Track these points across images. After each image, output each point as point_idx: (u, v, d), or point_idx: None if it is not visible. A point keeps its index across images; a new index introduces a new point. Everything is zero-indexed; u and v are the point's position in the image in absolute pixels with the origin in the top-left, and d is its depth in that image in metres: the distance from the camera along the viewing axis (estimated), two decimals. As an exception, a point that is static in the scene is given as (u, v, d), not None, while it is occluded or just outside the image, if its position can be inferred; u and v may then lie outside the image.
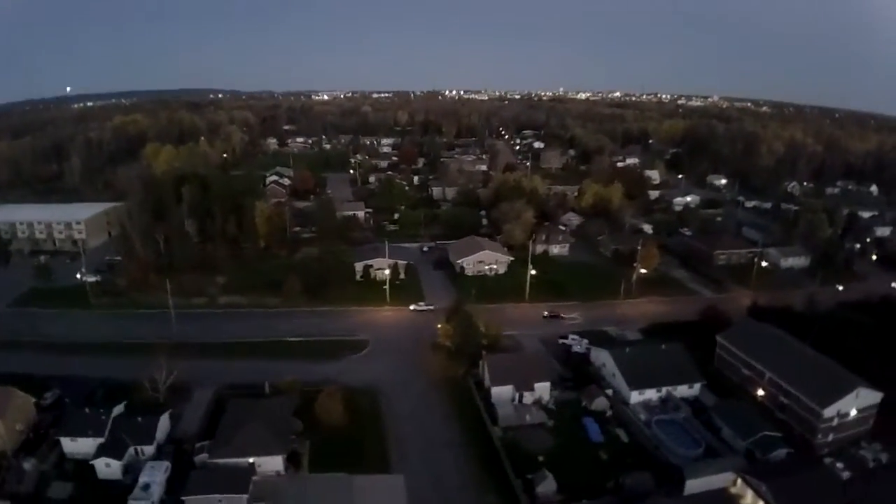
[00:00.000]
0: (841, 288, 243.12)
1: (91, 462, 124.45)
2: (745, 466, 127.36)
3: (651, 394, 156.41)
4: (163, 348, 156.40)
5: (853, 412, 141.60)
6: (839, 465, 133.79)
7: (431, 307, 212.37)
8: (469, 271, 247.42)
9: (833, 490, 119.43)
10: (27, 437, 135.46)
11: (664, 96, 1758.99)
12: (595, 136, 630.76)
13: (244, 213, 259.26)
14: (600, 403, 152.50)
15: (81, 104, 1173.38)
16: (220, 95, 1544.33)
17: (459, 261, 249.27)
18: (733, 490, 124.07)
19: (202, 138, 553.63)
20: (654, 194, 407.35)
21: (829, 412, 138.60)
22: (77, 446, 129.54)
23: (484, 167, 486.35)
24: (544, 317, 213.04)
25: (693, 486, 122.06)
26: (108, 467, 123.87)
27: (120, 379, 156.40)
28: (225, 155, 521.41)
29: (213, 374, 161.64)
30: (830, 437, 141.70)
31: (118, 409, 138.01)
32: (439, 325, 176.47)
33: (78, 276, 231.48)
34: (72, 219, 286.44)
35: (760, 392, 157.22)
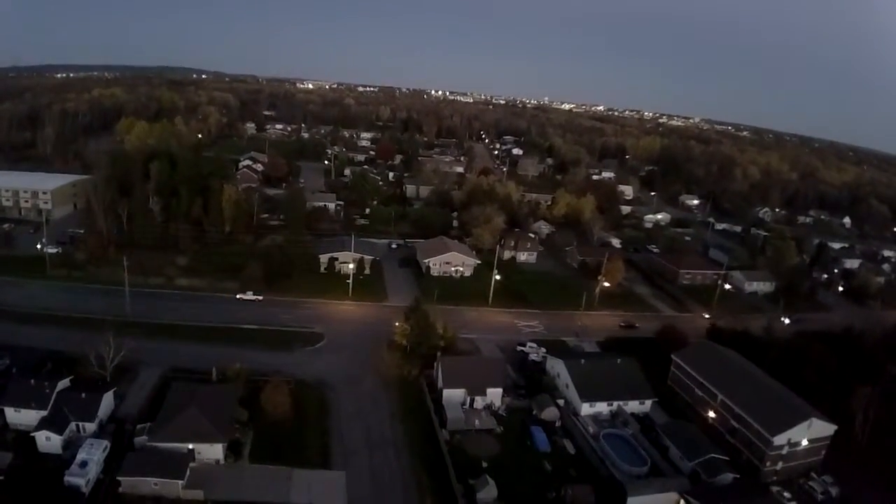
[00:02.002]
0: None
1: (32, 434, 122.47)
2: (688, 488, 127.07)
3: (602, 407, 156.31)
4: (113, 325, 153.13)
5: (804, 442, 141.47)
6: (786, 494, 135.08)
7: (260, 297, 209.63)
8: (435, 271, 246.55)
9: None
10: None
11: (646, 113, 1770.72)
12: (573, 148, 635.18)
13: (211, 196, 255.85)
14: (551, 413, 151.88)
15: (63, 74, 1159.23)
16: (203, 76, 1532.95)
17: (426, 260, 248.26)
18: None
19: (178, 117, 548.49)
20: (625, 209, 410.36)
21: (779, 440, 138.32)
22: (20, 417, 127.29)
23: (460, 169, 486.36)
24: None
25: (635, 503, 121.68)
26: (48, 441, 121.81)
27: (69, 352, 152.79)
28: (200, 135, 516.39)
29: (162, 355, 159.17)
30: (779, 466, 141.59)
31: (63, 384, 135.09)
32: (397, 324, 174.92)
33: (39, 246, 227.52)
34: (39, 188, 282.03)
35: (712, 414, 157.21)
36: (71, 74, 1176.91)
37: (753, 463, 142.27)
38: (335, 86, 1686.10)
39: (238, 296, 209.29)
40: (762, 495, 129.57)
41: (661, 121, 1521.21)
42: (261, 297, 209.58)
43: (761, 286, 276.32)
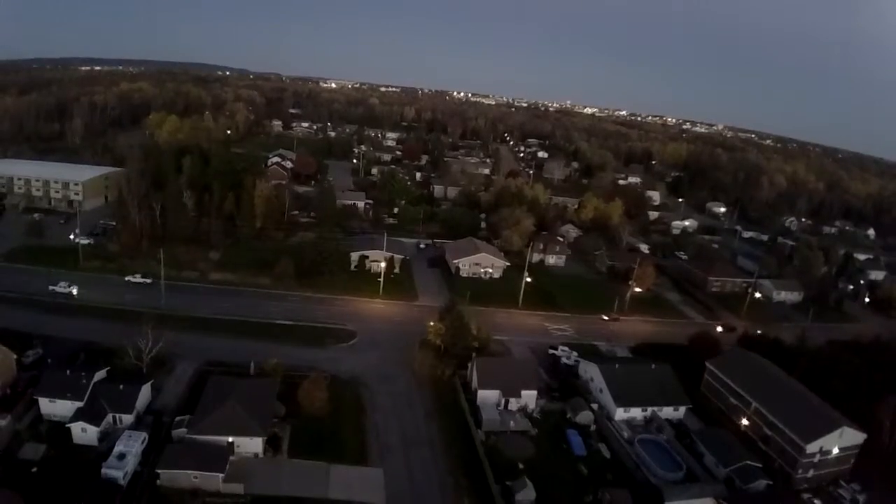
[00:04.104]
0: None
1: (67, 425, 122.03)
2: (724, 494, 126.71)
3: (636, 412, 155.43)
4: (150, 317, 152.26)
5: (835, 450, 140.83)
6: (817, 501, 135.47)
7: (148, 280, 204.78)
8: (464, 272, 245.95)
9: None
10: (4, 394, 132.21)
11: (669, 119, 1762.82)
12: (599, 152, 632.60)
13: (243, 191, 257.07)
14: (585, 417, 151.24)
15: (88, 67, 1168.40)
16: (227, 73, 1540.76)
17: (456, 261, 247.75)
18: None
19: (207, 112, 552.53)
20: (653, 215, 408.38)
21: (812, 448, 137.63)
22: (55, 408, 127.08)
23: (487, 170, 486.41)
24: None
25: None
26: (84, 432, 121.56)
27: (103, 344, 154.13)
28: (229, 131, 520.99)
29: (197, 348, 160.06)
30: (811, 473, 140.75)
31: (100, 375, 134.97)
32: (431, 323, 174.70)
33: (72, 237, 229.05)
34: (70, 179, 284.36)
35: (745, 422, 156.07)
36: (96, 67, 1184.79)
37: (785, 470, 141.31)
38: (357, 85, 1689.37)
39: (127, 278, 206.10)
40: (795, 502, 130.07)
41: (684, 127, 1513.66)
42: (149, 280, 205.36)
43: (790, 295, 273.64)
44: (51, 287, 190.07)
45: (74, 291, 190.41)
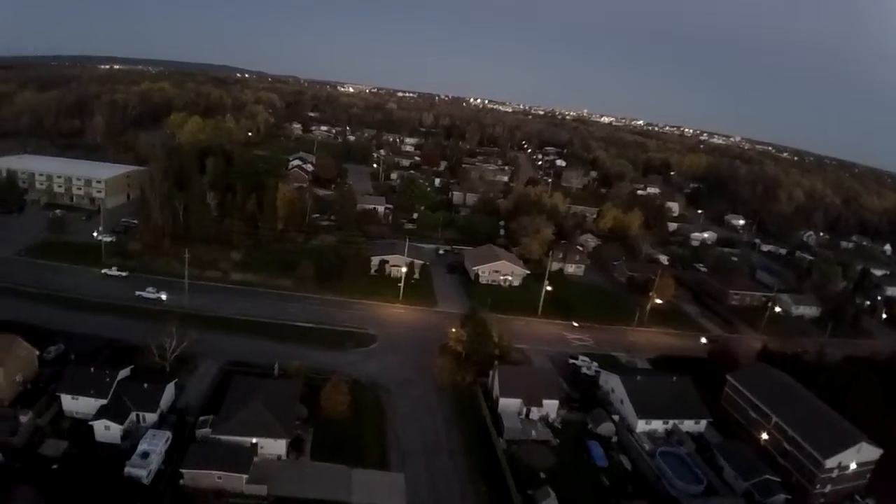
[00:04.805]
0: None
1: (90, 423, 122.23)
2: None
3: (657, 424, 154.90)
4: (173, 316, 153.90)
5: (853, 466, 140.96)
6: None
7: (124, 273, 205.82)
8: (483, 279, 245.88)
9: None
10: (25, 389, 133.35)
11: (687, 130, 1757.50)
12: (617, 161, 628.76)
13: (266, 193, 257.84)
14: (606, 428, 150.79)
15: (108, 66, 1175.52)
16: (245, 75, 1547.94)
17: (475, 268, 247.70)
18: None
19: (228, 114, 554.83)
20: (672, 226, 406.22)
21: (830, 463, 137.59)
22: (77, 405, 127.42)
23: (505, 178, 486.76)
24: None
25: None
26: (107, 430, 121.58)
27: (126, 341, 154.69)
28: (250, 133, 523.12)
29: (220, 347, 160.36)
30: (828, 489, 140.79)
31: (124, 373, 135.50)
32: (452, 329, 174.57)
33: (95, 234, 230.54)
34: (93, 177, 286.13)
35: (764, 436, 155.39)
36: (116, 66, 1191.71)
37: (802, 485, 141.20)
38: (375, 90, 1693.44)
39: (103, 270, 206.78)
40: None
41: (702, 138, 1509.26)
42: (125, 273, 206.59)
43: (808, 310, 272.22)
44: (137, 293, 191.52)
45: (164, 297, 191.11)
